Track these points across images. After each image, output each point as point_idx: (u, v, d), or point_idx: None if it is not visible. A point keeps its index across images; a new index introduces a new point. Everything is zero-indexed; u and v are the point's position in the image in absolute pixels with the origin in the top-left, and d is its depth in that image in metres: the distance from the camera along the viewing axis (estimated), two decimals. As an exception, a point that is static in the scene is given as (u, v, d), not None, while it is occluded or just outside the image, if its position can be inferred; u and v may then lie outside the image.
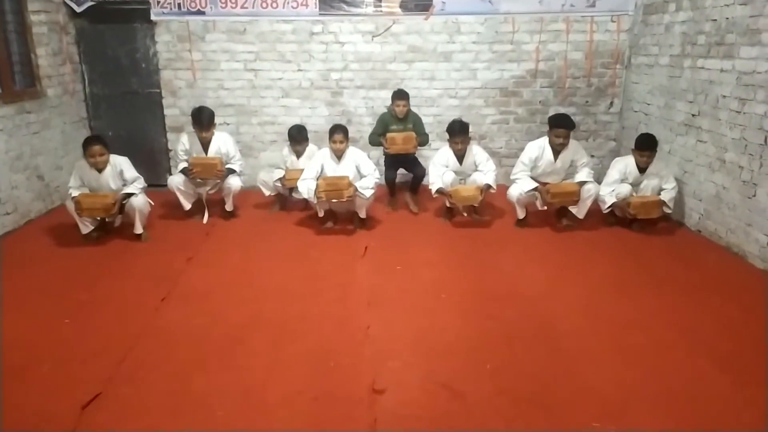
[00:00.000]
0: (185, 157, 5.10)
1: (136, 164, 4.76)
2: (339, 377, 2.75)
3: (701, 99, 4.77)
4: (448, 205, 5.07)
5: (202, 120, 5.00)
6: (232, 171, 5.14)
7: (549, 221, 5.02)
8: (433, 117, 6.25)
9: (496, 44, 6.09)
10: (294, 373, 2.79)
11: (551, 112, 6.26)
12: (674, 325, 3.24)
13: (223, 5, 5.89)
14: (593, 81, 6.20)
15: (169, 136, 6.33)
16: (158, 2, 5.89)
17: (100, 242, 4.56)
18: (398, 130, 5.30)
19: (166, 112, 6.26)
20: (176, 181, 5.09)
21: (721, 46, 4.48)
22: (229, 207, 5.25)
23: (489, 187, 4.89)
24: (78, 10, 5.81)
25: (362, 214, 4.90)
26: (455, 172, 5.00)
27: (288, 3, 5.89)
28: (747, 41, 4.18)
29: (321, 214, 4.88)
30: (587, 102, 6.26)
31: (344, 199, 4.60)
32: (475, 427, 2.39)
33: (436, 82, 6.23)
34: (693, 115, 4.89)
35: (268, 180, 5.38)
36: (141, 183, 4.65)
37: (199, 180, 5.10)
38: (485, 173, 4.93)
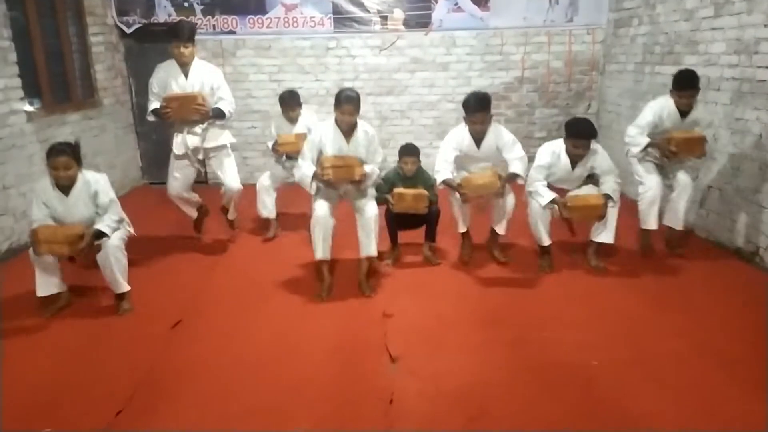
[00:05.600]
0: (159, 93, 4.15)
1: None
2: (358, 308, 3.67)
3: (658, 99, 5.63)
4: (457, 196, 4.08)
5: (182, 30, 4.04)
6: (219, 113, 4.20)
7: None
8: (433, 119, 7.17)
9: (487, 55, 6.98)
10: (321, 309, 3.69)
11: (537, 114, 7.17)
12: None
13: (251, 26, 6.85)
14: (573, 86, 7.08)
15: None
16: (196, 24, 6.83)
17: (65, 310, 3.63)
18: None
19: (201, 118, 7.19)
20: (174, 187, 4.44)
21: (671, 54, 5.36)
22: (231, 215, 4.76)
23: (516, 176, 3.98)
24: (128, 31, 6.80)
25: (372, 250, 3.86)
26: (472, 158, 4.12)
27: (307, 22, 6.84)
28: (689, 51, 5.06)
29: (313, 190, 3.84)
30: (568, 104, 7.13)
31: (356, 178, 3.74)
32: (454, 337, 3.30)
33: (435, 88, 7.13)
34: (653, 114, 5.74)
35: (268, 186, 4.94)
36: (116, 214, 3.48)
37: (177, 127, 4.22)
38: (511, 161, 3.99)
